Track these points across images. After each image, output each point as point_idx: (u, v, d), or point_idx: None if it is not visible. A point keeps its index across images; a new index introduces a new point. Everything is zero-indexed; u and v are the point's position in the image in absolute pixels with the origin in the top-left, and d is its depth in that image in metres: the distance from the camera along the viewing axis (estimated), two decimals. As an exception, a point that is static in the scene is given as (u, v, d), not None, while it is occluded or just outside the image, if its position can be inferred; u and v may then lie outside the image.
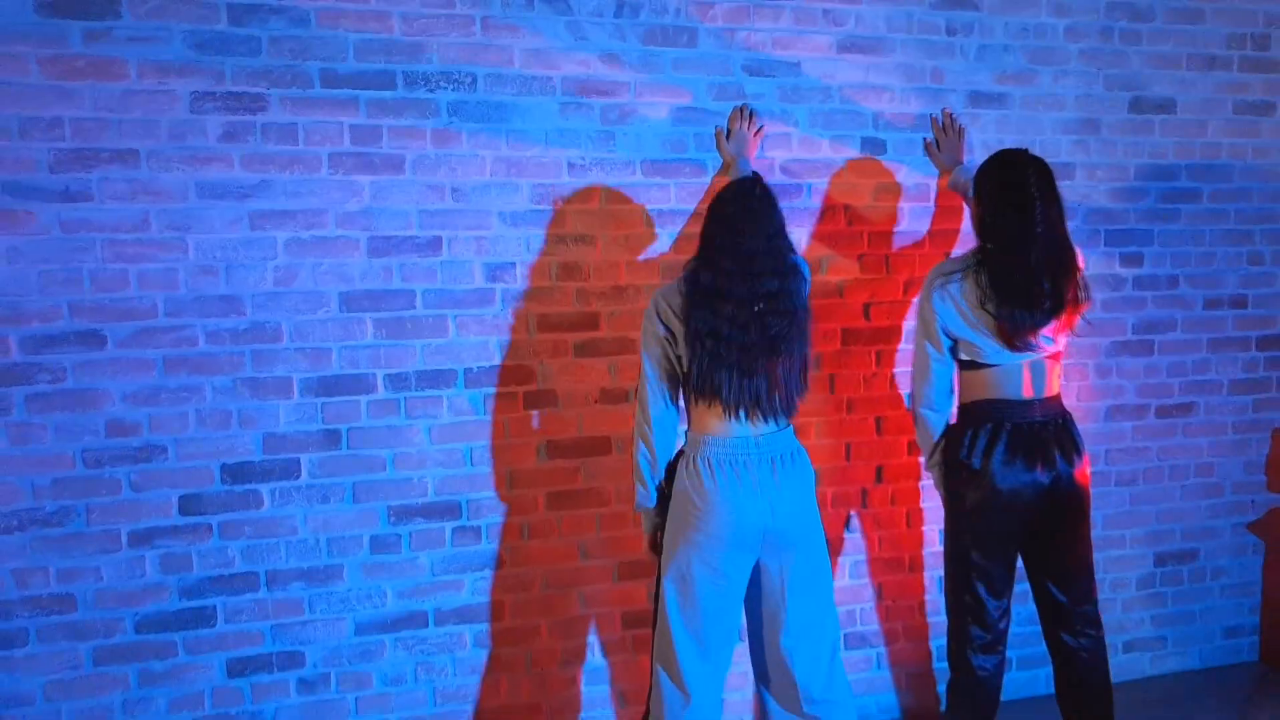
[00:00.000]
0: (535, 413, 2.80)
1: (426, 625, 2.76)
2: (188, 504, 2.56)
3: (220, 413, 2.56)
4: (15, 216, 2.38)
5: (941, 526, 2.80)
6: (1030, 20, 3.10)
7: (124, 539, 2.52)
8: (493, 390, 2.76)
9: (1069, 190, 3.15)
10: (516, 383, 2.78)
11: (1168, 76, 3.25)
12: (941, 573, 2.82)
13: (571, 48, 2.72)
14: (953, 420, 2.65)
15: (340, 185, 2.59)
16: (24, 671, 2.48)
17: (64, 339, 2.44)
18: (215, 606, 2.60)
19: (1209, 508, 3.47)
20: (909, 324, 3.05)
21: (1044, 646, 2.75)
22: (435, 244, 2.67)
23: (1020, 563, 2.65)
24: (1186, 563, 3.48)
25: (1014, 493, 2.47)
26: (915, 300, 2.96)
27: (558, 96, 2.73)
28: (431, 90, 2.63)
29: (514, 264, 2.74)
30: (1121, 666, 3.38)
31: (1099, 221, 3.24)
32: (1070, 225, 3.01)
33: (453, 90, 2.65)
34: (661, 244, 2.85)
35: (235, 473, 2.58)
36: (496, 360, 2.76)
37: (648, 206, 2.82)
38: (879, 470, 3.13)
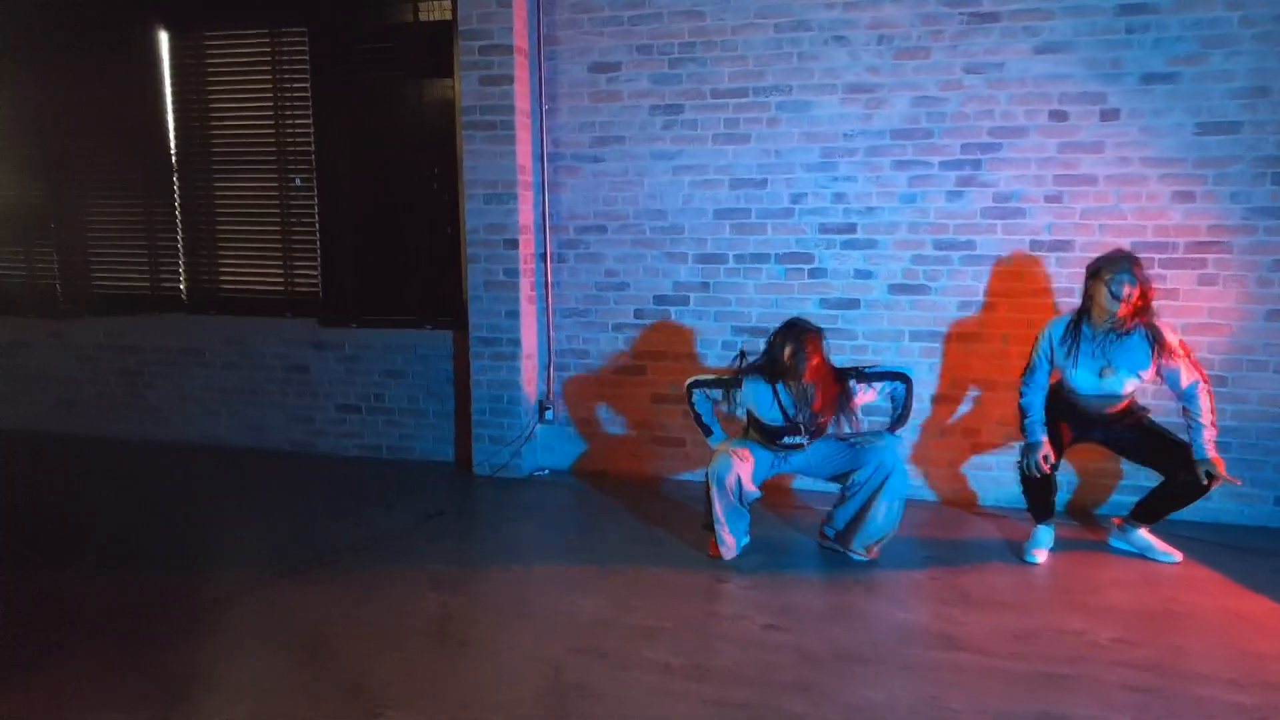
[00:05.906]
0: (814, 281, 4.86)
1: (748, 392, 5.05)
2: (638, 313, 5.13)
3: (654, 268, 5.07)
4: (574, 169, 5.10)
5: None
6: (1205, 15, 4.17)
7: (610, 327, 5.19)
8: (789, 266, 4.88)
9: (1234, 144, 4.20)
10: (804, 263, 4.86)
11: (1347, 47, 4.04)
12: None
13: (848, 66, 4.63)
14: None
15: (717, 152, 4.88)
16: (554, 383, 5.32)
17: (589, 229, 5.13)
18: (645, 367, 5.18)
19: (1377, 402, 4.24)
20: (1080, 238, 4.43)
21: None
22: (763, 183, 4.84)
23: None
24: (1352, 444, 4.30)
25: None
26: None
27: (839, 95, 4.67)
28: (766, 96, 4.76)
29: (806, 194, 4.79)
30: (1272, 515, 4.41)
31: (1264, 165, 4.20)
32: (1234, 169, 4.17)
33: (779, 95, 4.75)
34: (900, 181, 4.65)
35: (660, 299, 5.09)
36: (792, 250, 4.86)
37: (891, 158, 4.65)
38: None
